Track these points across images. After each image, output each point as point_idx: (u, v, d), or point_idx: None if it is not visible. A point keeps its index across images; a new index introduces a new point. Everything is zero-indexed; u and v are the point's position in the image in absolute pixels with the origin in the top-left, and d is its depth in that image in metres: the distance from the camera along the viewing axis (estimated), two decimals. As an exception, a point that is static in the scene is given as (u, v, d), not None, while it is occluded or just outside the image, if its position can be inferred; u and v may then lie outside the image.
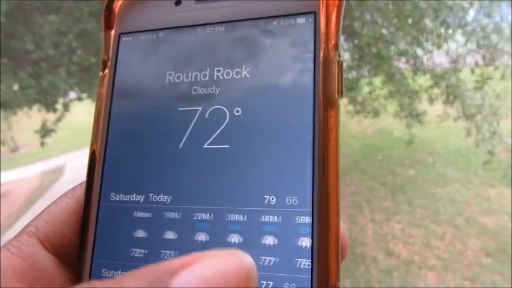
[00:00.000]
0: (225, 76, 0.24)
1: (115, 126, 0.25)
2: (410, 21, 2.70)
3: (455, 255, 3.38)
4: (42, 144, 3.28)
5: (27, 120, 3.43)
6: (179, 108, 0.24)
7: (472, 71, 3.13)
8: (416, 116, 3.28)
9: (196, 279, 0.14)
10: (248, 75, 0.23)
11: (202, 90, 0.24)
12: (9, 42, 2.81)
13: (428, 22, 2.71)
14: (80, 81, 3.17)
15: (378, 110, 3.70)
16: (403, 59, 3.06)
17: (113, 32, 0.26)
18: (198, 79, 0.24)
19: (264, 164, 0.22)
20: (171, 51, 0.25)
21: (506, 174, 3.16)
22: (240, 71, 0.23)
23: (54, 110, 3.31)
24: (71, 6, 2.84)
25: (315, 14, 0.23)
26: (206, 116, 0.23)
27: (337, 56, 0.22)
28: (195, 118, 0.23)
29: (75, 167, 5.80)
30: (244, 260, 0.15)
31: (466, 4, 2.87)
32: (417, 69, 3.11)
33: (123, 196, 0.24)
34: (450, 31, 2.93)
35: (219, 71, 0.24)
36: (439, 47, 2.98)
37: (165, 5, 0.26)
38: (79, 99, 3.57)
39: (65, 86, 2.95)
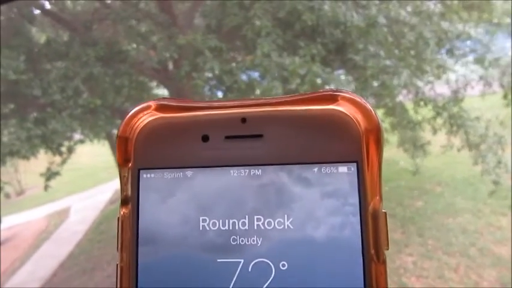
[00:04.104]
0: (266, 226, 0.22)
1: (145, 278, 0.23)
2: (412, 52, 2.76)
3: (469, 286, 3.28)
4: (46, 187, 3.29)
5: (33, 162, 3.46)
6: (218, 260, 0.22)
7: (482, 97, 3.14)
8: (420, 147, 3.28)
9: None
10: (291, 226, 0.22)
11: (242, 240, 0.22)
12: (17, 88, 2.87)
13: (429, 53, 2.76)
14: (84, 123, 3.22)
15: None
16: (404, 92, 3.09)
17: (130, 166, 0.24)
18: (237, 227, 0.22)
19: None
20: (202, 194, 0.23)
21: (514, 205, 3.11)
22: (282, 221, 0.22)
23: (60, 154, 3.35)
24: (77, 51, 2.93)
25: (357, 164, 0.22)
26: (249, 269, 0.22)
27: (381, 208, 0.22)
28: (237, 271, 0.22)
29: (80, 208, 5.78)
30: None
31: (472, 32, 2.93)
32: (419, 100, 3.13)
33: None
34: (451, 62, 2.98)
35: (259, 219, 0.22)
36: (438, 77, 3.02)
37: (191, 140, 0.24)
38: (81, 141, 3.61)
39: (67, 130, 2.99)
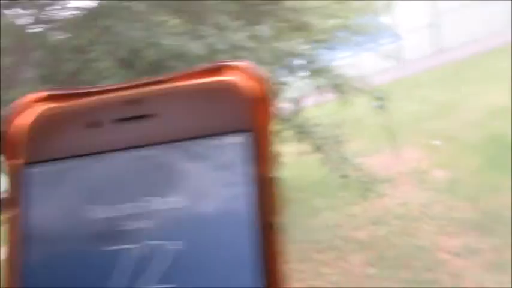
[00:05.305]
0: (158, 207, 0.21)
1: (31, 278, 0.21)
2: None
3: (344, 275, 3.61)
4: None
5: None
6: (108, 248, 0.21)
7: (320, 107, 3.52)
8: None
9: None
10: (184, 204, 0.21)
11: (132, 225, 0.21)
12: None
13: (268, 71, 2.98)
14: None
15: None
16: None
17: (15, 162, 0.22)
18: (128, 213, 0.21)
19: None
20: (90, 182, 0.22)
21: (362, 192, 3.57)
22: (174, 200, 0.21)
23: None
24: None
25: (248, 133, 0.21)
26: (142, 254, 0.20)
27: (274, 176, 0.21)
28: (130, 258, 0.20)
29: None
30: None
31: (306, 49, 3.28)
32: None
33: None
34: (289, 79, 3.28)
35: (149, 201, 0.21)
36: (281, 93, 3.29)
37: (77, 128, 0.22)
38: None
39: None
